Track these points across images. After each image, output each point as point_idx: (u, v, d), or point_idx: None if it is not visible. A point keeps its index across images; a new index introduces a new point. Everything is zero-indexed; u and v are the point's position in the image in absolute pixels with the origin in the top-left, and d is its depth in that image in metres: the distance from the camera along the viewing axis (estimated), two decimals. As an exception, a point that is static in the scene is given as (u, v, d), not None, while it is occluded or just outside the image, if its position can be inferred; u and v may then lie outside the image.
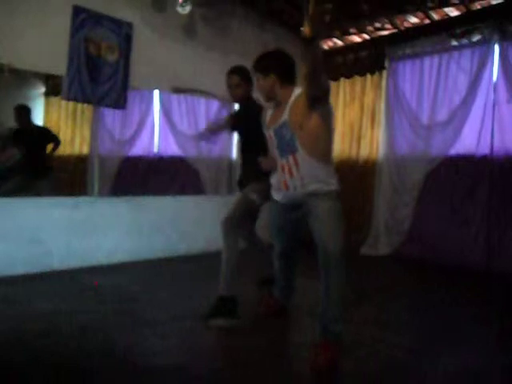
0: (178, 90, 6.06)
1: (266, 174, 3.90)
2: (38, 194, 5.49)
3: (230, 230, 3.55)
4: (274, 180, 3.16)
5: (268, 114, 3.16)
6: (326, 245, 2.80)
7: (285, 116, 2.92)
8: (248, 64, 3.94)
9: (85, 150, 6.80)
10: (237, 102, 3.99)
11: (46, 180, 5.95)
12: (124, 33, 5.35)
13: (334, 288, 2.82)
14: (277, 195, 3.14)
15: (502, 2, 5.50)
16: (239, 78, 3.82)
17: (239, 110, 4.05)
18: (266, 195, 3.78)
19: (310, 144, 2.85)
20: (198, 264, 5.46)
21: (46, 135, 6.25)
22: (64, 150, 6.71)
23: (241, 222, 3.69)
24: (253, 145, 3.79)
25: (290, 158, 2.91)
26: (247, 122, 3.81)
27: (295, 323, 3.68)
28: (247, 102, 3.89)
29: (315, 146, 2.86)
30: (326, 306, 2.85)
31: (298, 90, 2.94)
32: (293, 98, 2.92)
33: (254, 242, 4.16)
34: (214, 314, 3.44)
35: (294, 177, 2.93)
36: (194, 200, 6.33)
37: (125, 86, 5.38)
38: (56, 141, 6.23)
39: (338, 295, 2.83)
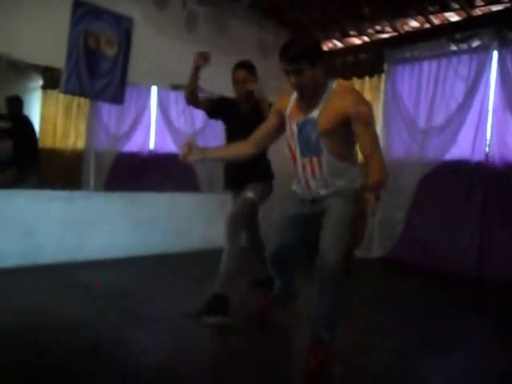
0: (176, 87, 6.04)
1: (270, 175, 3.90)
2: (26, 186, 5.46)
3: (234, 229, 3.55)
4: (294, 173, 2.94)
5: (290, 102, 2.85)
6: (325, 254, 2.63)
7: (315, 113, 2.67)
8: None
9: (79, 144, 6.77)
10: (242, 99, 3.78)
11: (34, 173, 5.92)
12: (124, 28, 5.32)
13: (326, 300, 2.69)
14: (298, 189, 2.93)
15: (502, 9, 5.52)
16: (247, 72, 3.71)
17: (242, 108, 3.83)
18: (265, 195, 3.80)
19: (339, 149, 2.71)
20: (192, 262, 5.44)
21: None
22: (60, 143, 6.69)
23: (244, 221, 3.69)
24: None
25: (315, 160, 2.73)
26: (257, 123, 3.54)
27: (290, 326, 3.64)
28: (255, 101, 3.79)
29: (343, 151, 2.72)
30: (317, 315, 2.75)
31: (332, 84, 2.70)
32: (326, 94, 2.67)
33: (258, 242, 4.07)
34: (207, 311, 3.42)
35: (316, 178, 2.77)
36: (189, 197, 6.31)
37: (123, 81, 5.36)
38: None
39: (329, 307, 2.70)
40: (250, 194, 3.67)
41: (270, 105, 3.55)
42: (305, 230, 2.98)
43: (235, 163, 3.69)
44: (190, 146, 2.92)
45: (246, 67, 3.74)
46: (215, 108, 3.93)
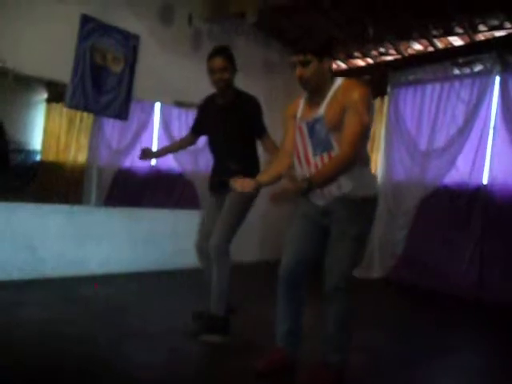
0: (180, 104, 6.07)
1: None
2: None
3: (223, 251, 3.38)
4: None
5: (299, 104, 2.83)
6: (329, 273, 2.63)
7: (321, 110, 2.63)
8: (252, 82, 3.90)
9: (81, 158, 6.78)
10: (221, 90, 3.44)
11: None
12: (131, 45, 5.36)
13: (332, 321, 2.68)
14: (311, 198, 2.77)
15: (505, 35, 5.59)
16: (225, 60, 3.35)
17: (219, 101, 3.55)
18: (249, 203, 3.50)
19: None
20: (191, 278, 5.39)
21: None
22: (62, 156, 6.70)
23: (232, 239, 3.46)
24: (247, 142, 3.54)
25: (325, 156, 2.63)
26: (240, 116, 3.44)
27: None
28: (235, 92, 3.49)
29: None
30: (326, 335, 2.72)
31: (338, 81, 2.68)
32: (332, 91, 2.65)
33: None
34: (205, 329, 3.39)
35: None
36: (189, 214, 6.29)
37: (128, 98, 5.39)
38: None
39: (337, 328, 2.68)
40: (230, 213, 3.44)
41: (258, 107, 3.50)
42: (316, 241, 2.80)
43: (221, 165, 3.57)
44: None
45: (223, 54, 3.38)
46: (198, 131, 3.82)
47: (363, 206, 2.68)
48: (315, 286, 2.76)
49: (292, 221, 2.92)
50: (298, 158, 2.79)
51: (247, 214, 3.53)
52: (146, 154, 3.79)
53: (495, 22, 5.52)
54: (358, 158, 2.58)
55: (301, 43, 2.63)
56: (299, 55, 2.59)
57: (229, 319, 3.44)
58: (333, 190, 2.63)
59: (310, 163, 2.73)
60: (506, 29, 5.54)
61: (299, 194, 2.46)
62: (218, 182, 3.54)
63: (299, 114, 2.80)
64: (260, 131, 3.53)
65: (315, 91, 2.68)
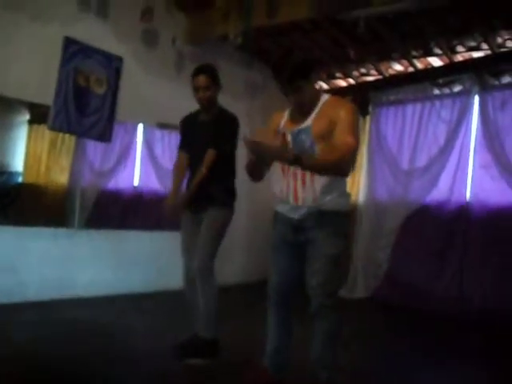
0: (163, 126, 6.07)
1: (232, 198, 3.56)
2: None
3: (207, 271, 3.39)
4: (278, 190, 2.80)
5: (284, 115, 2.85)
6: (313, 292, 2.63)
7: (308, 122, 2.67)
8: (235, 103, 3.88)
9: (62, 180, 6.71)
10: (204, 107, 3.51)
11: None
12: (114, 66, 5.38)
13: (320, 338, 2.67)
14: (283, 208, 2.80)
15: (483, 56, 5.71)
16: (209, 78, 3.41)
17: (200, 117, 3.59)
18: (226, 223, 3.51)
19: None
20: (175, 300, 5.35)
21: None
22: (44, 179, 6.63)
23: (214, 261, 3.46)
24: (224, 160, 3.45)
25: None
26: (221, 132, 3.42)
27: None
28: (217, 110, 3.53)
29: None
30: (314, 353, 2.70)
31: (325, 96, 2.73)
32: (319, 105, 2.69)
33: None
34: (192, 352, 3.36)
35: (306, 186, 2.65)
36: (172, 236, 6.22)
37: (111, 119, 5.39)
38: None
39: (325, 345, 2.67)
40: (210, 232, 3.44)
41: (235, 120, 3.50)
42: (299, 262, 2.77)
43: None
44: None
45: (207, 72, 3.44)
46: (186, 146, 3.71)
47: (336, 224, 2.68)
48: (303, 306, 2.74)
49: (271, 245, 2.91)
50: (281, 168, 2.78)
51: (226, 231, 3.52)
52: (175, 203, 3.58)
53: (473, 43, 5.64)
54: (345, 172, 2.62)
55: (288, 73, 2.60)
56: (291, 83, 2.61)
57: (217, 342, 3.40)
58: (308, 198, 2.65)
59: (289, 172, 2.72)
60: (483, 50, 5.66)
61: (281, 158, 2.44)
62: (196, 201, 3.48)
63: (282, 125, 2.81)
64: (214, 141, 3.41)
65: (305, 107, 2.70)
